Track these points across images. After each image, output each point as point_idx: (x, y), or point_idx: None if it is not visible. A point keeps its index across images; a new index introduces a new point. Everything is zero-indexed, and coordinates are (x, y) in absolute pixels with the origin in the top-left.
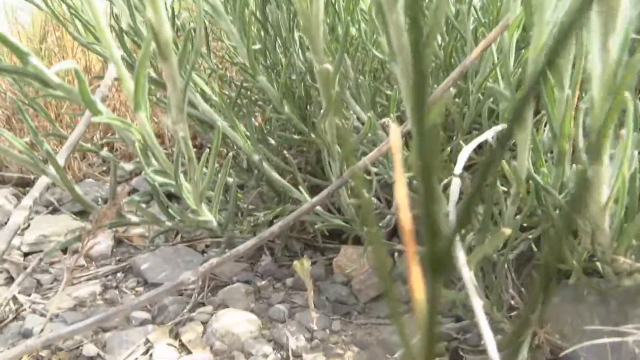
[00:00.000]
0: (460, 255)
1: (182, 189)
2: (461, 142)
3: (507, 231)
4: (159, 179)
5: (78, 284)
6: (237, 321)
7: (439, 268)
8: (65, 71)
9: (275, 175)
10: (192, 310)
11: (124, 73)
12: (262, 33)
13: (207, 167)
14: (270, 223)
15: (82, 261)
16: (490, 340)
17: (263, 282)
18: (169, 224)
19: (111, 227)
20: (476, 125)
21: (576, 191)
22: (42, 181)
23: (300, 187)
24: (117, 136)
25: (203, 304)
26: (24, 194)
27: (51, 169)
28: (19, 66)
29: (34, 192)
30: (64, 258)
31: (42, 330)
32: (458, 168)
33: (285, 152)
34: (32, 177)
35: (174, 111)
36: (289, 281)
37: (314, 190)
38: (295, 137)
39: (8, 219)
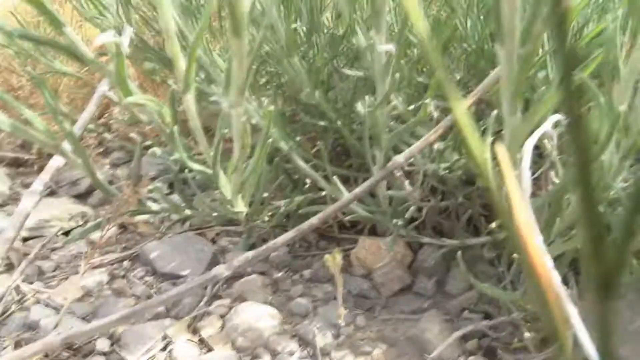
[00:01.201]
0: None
1: (218, 178)
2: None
3: None
4: (197, 166)
5: (83, 272)
6: (258, 315)
7: (609, 286)
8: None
9: (303, 164)
10: (208, 303)
11: (176, 49)
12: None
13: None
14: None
15: (85, 248)
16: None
17: (279, 274)
18: (188, 212)
19: (132, 215)
20: None
21: None
22: (53, 164)
23: (328, 177)
24: (117, 117)
25: (219, 297)
26: (18, 175)
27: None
28: (50, 37)
29: (44, 175)
30: (65, 243)
31: (56, 326)
32: (526, 161)
33: (299, 139)
34: (25, 157)
35: (233, 92)
36: (306, 273)
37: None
38: (321, 123)
39: (2, 201)
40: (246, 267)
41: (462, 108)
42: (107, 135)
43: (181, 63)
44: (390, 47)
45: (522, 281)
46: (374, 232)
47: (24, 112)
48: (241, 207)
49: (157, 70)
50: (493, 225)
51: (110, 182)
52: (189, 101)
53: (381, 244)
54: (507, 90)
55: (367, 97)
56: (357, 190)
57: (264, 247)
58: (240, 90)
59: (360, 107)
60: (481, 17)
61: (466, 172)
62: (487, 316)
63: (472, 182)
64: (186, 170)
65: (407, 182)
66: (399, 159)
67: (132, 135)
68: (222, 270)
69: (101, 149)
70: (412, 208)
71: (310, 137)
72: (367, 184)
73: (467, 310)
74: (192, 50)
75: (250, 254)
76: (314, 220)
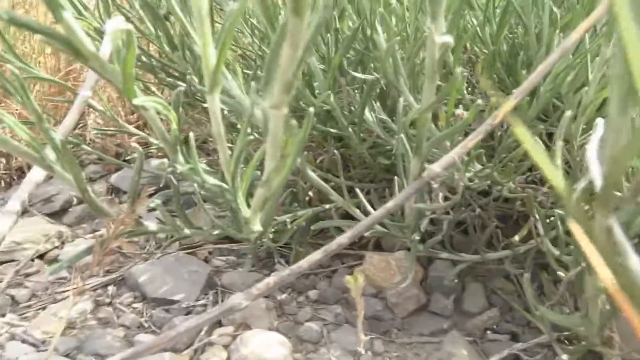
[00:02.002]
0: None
1: (237, 194)
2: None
3: None
4: (212, 180)
5: (63, 301)
6: (267, 344)
7: None
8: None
9: (315, 177)
10: (209, 333)
11: (208, 36)
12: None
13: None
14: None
15: (64, 273)
16: None
17: (283, 296)
18: (187, 231)
19: (130, 236)
20: (535, 121)
21: None
22: (32, 178)
23: (341, 190)
24: (93, 127)
25: (220, 324)
26: None
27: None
28: (47, 27)
29: (21, 193)
30: (44, 268)
31: None
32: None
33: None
34: None
35: (279, 89)
36: (312, 294)
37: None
38: (332, 130)
39: None
40: (266, 294)
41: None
42: (86, 147)
43: (211, 55)
44: (448, 38)
45: (550, 297)
46: (378, 246)
47: (4, 120)
48: (258, 225)
49: (140, 76)
50: (516, 238)
51: None
52: (215, 103)
53: (390, 260)
54: (620, 84)
55: (401, 100)
56: (390, 204)
57: (286, 271)
58: (288, 86)
59: (368, 114)
60: (496, 18)
61: (492, 182)
62: (514, 336)
63: (487, 193)
64: (195, 185)
65: (440, 195)
66: (436, 168)
67: (134, 144)
68: (239, 301)
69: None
70: (425, 222)
71: (307, 146)
72: (401, 196)
73: (489, 330)
74: (224, 38)
75: (271, 280)
76: (342, 240)
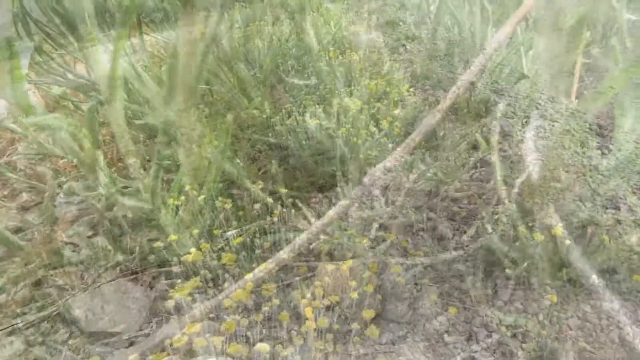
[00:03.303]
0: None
1: (159, 214)
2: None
3: None
4: (130, 201)
5: None
6: None
7: None
8: None
9: (259, 191)
10: None
11: (94, 42)
12: None
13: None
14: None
15: None
16: None
17: (235, 316)
18: (119, 258)
19: (47, 270)
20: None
21: None
22: None
23: (282, 201)
24: (21, 153)
25: (164, 352)
26: None
27: None
28: None
29: None
30: None
31: None
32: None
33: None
34: None
35: (183, 94)
36: (263, 311)
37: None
38: (272, 140)
39: None
40: (204, 319)
41: None
42: (11, 175)
43: (101, 60)
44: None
45: (504, 294)
46: (332, 255)
47: None
48: (188, 246)
49: (68, 95)
50: (464, 237)
51: (20, 230)
52: (117, 113)
53: (344, 268)
54: None
55: (334, 102)
56: (332, 212)
57: (224, 294)
58: (191, 91)
59: (309, 119)
60: (431, 16)
61: (438, 182)
62: (470, 336)
63: (435, 193)
64: (115, 208)
65: (383, 200)
66: (377, 172)
67: (40, 168)
68: (175, 330)
69: (6, 192)
70: (374, 228)
71: (252, 157)
72: (343, 204)
73: (446, 333)
74: (118, 42)
75: (206, 305)
76: (282, 255)
